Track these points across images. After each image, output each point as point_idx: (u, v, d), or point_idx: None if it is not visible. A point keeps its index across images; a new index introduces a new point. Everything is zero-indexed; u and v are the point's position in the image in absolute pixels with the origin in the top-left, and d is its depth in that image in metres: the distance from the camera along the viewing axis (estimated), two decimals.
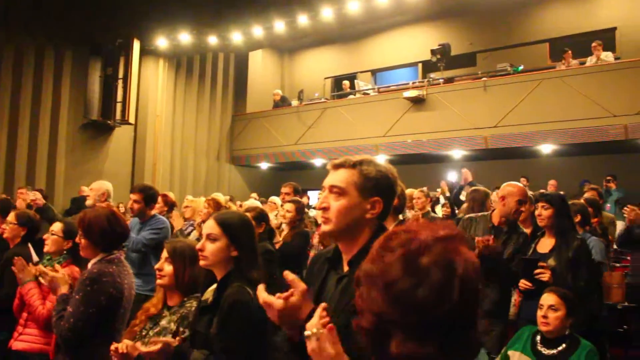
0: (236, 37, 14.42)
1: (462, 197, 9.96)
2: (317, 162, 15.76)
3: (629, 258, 6.72)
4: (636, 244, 5.85)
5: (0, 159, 12.37)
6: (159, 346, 2.37)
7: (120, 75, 13.78)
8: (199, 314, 2.57)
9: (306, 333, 1.39)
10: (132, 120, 14.04)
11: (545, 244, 4.07)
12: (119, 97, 13.74)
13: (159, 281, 2.85)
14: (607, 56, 11.73)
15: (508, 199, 4.18)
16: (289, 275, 1.75)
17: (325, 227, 1.92)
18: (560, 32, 13.67)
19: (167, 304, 2.84)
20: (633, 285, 5.76)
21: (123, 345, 2.47)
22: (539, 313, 3.29)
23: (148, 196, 5.08)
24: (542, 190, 5.70)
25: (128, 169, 14.63)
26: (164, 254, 2.87)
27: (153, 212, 5.21)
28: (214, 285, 2.55)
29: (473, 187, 6.21)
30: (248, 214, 3.35)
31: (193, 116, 16.08)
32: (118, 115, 13.76)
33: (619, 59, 12.01)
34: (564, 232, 4.00)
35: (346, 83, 15.98)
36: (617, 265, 7.02)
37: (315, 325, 1.39)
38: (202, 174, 16.16)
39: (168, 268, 2.81)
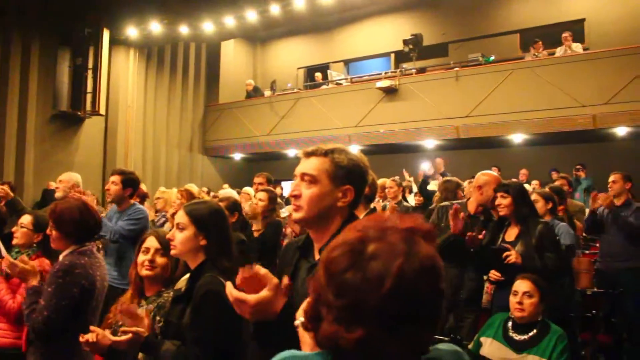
0: (208, 26, 14.26)
1: (433, 186, 10.09)
2: (290, 152, 15.75)
3: (597, 245, 6.86)
4: (601, 229, 5.98)
5: None
6: (129, 336, 2.37)
7: (90, 65, 13.52)
8: (171, 304, 2.57)
9: (295, 322, 1.41)
10: (102, 111, 13.82)
11: (511, 233, 4.16)
12: (89, 88, 13.49)
13: (147, 272, 2.82)
14: (577, 47, 11.90)
15: (485, 187, 4.27)
16: (260, 269, 1.75)
17: (296, 215, 1.93)
18: (531, 23, 13.82)
19: (144, 295, 2.84)
20: (601, 271, 5.88)
21: (93, 334, 2.46)
22: (514, 299, 3.34)
23: (127, 179, 4.93)
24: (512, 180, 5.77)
25: (99, 160, 14.43)
26: (155, 244, 2.85)
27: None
28: (187, 275, 2.55)
29: (445, 178, 6.28)
30: (221, 204, 3.33)
31: (165, 107, 15.92)
32: (88, 106, 13.52)
33: (588, 49, 12.19)
34: (524, 218, 4.09)
35: (319, 75, 15.95)
36: (586, 252, 7.15)
37: (298, 315, 1.39)
38: (175, 165, 16.03)
39: (161, 260, 2.81)
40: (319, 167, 1.91)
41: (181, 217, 2.50)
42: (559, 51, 12.00)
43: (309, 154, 1.97)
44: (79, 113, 13.53)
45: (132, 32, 14.22)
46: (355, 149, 9.39)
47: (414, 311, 1.01)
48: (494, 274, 4.02)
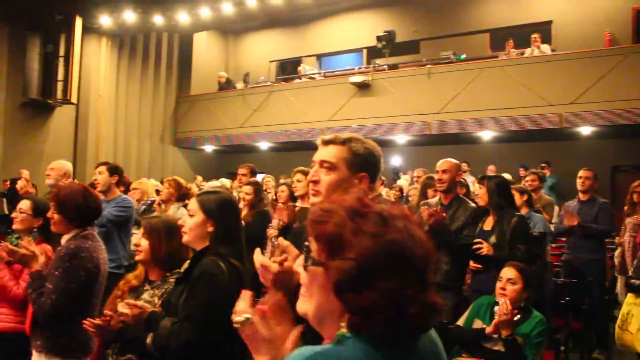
0: (182, 17, 14.22)
1: (404, 182, 10.33)
2: (263, 145, 15.84)
3: (564, 239, 7.18)
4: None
5: None
6: (135, 310, 2.52)
7: (62, 53, 13.32)
8: (174, 285, 2.69)
9: (238, 319, 1.32)
10: (74, 99, 13.64)
11: (489, 222, 4.47)
12: (60, 76, 13.28)
13: (137, 257, 2.93)
14: (545, 48, 12.27)
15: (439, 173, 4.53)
16: (283, 241, 1.88)
17: (315, 199, 2.04)
18: (500, 23, 14.14)
19: (148, 279, 2.94)
20: (569, 262, 6.19)
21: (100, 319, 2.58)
22: (498, 285, 3.55)
23: (112, 167, 5.08)
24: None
25: (69, 150, 14.22)
26: (141, 229, 2.96)
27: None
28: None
29: (429, 174, 6.46)
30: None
31: (136, 97, 15.79)
32: (59, 95, 13.33)
33: (555, 50, 12.57)
34: (499, 208, 4.39)
35: (301, 69, 15.98)
36: (553, 245, 7.46)
37: (245, 310, 1.35)
38: (146, 156, 15.93)
39: (144, 243, 2.88)
40: (337, 154, 2.03)
41: (192, 204, 2.65)
42: (528, 52, 12.34)
43: (327, 142, 2.08)
44: (50, 101, 13.35)
45: (105, 20, 14.07)
46: None
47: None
48: (473, 265, 4.30)
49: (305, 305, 1.21)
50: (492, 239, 4.24)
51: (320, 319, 1.20)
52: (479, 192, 4.45)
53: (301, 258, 1.37)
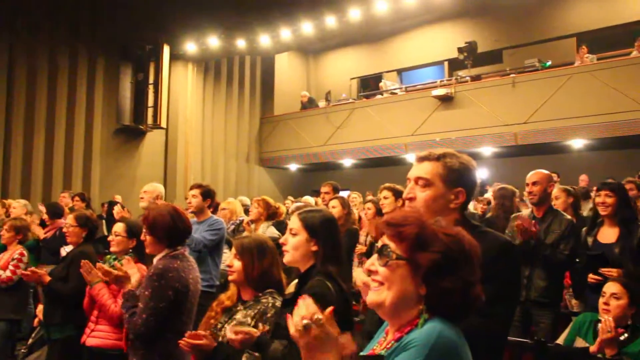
0: (264, 40, 14.59)
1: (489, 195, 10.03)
2: (346, 162, 15.88)
3: None
4: None
5: (38, 164, 12.67)
6: (241, 336, 2.49)
7: (151, 80, 14.06)
8: (281, 307, 2.66)
9: (307, 322, 1.36)
10: (163, 124, 14.29)
11: (608, 234, 4.15)
12: (150, 102, 14.02)
13: (230, 277, 2.95)
14: None
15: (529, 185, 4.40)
16: None
17: None
18: (587, 26, 13.62)
19: (241, 299, 2.96)
20: None
21: (198, 337, 2.60)
22: (601, 300, 3.35)
23: (205, 191, 5.22)
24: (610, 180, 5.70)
25: (160, 173, 14.84)
26: (233, 250, 2.98)
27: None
28: (296, 280, 2.64)
29: (500, 185, 6.28)
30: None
31: (222, 119, 16.30)
32: (150, 120, 14.03)
33: None
34: (627, 220, 4.09)
35: (382, 85, 15.99)
36: None
37: (309, 315, 1.38)
38: (232, 177, 16.35)
39: (237, 264, 2.89)
40: (432, 171, 2.02)
41: (294, 223, 2.60)
42: (634, 53, 11.73)
43: (421, 159, 2.07)
44: (141, 127, 14.03)
45: (190, 47, 14.66)
46: (411, 158, 9.43)
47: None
48: (592, 278, 4.03)
49: (381, 295, 1.43)
50: (616, 250, 4.00)
51: (398, 306, 1.41)
52: (605, 201, 4.11)
53: (373, 258, 1.48)
